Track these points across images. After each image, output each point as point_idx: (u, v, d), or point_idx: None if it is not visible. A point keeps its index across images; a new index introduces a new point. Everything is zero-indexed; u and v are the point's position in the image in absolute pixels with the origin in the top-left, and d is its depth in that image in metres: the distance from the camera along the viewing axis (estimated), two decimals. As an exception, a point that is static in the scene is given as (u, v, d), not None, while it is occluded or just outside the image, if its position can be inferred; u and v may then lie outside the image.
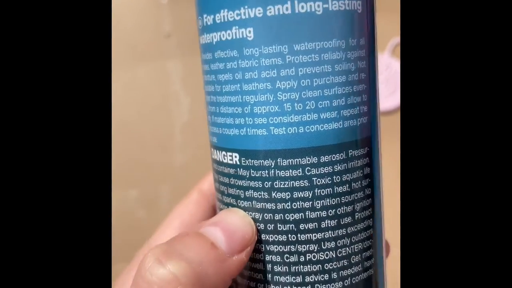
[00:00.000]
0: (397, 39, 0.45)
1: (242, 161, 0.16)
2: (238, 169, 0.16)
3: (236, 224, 0.16)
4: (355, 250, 0.16)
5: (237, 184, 0.16)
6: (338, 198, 0.16)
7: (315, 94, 0.15)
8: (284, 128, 0.15)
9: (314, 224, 0.16)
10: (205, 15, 0.16)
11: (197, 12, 0.17)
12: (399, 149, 0.15)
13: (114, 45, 0.45)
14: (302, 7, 0.15)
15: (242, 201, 0.16)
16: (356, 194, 0.16)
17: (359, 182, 0.16)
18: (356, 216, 0.16)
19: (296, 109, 0.15)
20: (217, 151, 0.17)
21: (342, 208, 0.16)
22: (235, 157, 0.16)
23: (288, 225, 0.16)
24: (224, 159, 0.17)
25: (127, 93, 0.47)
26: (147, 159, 0.47)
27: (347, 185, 0.16)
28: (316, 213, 0.16)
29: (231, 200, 0.17)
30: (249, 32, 0.15)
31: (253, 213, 0.16)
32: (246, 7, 0.15)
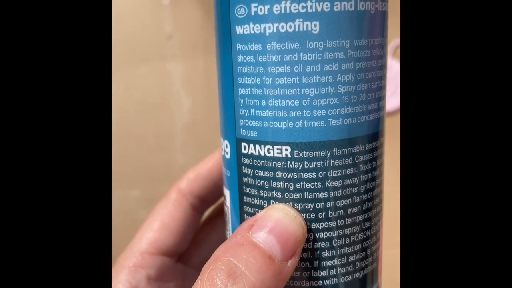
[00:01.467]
0: (397, 41, 0.44)
1: (295, 154, 0.16)
2: (289, 162, 0.16)
3: (289, 228, 0.16)
4: (378, 227, 0.18)
5: (286, 177, 0.16)
6: (374, 182, 0.17)
7: (366, 87, 0.16)
8: (341, 119, 0.16)
9: (358, 207, 0.17)
10: (254, 4, 0.15)
11: (234, 0, 0.16)
12: (399, 149, 0.16)
13: (115, 46, 0.43)
14: (362, 6, 0.15)
15: (291, 194, 0.16)
16: (381, 177, 0.18)
17: (382, 166, 0.18)
18: (379, 197, 0.18)
19: (352, 101, 0.16)
20: (257, 145, 0.17)
21: (376, 190, 0.18)
22: (286, 150, 0.16)
23: (338, 211, 0.17)
24: (269, 153, 0.16)
25: (128, 94, 0.46)
26: (148, 160, 0.46)
27: (378, 170, 0.18)
28: (360, 197, 0.17)
29: (276, 194, 0.17)
30: (315, 25, 0.15)
31: (304, 204, 0.16)
32: (313, 0, 0.15)
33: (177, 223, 0.21)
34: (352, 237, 0.17)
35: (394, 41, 0.45)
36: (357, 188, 0.17)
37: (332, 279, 0.17)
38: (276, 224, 0.16)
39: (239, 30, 0.16)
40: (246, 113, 0.17)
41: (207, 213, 0.24)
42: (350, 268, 0.17)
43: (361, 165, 0.17)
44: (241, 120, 0.17)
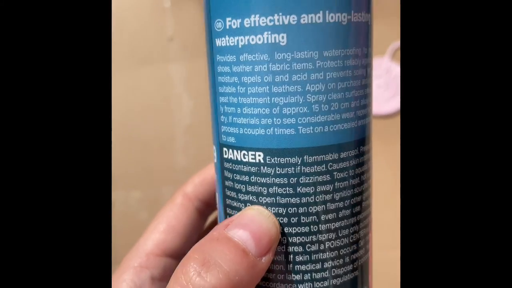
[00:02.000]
0: (397, 43, 0.45)
1: (267, 159, 0.17)
2: (262, 167, 0.17)
3: (263, 225, 0.17)
4: (361, 235, 0.18)
5: (259, 181, 0.17)
6: (352, 190, 0.18)
7: (338, 96, 0.17)
8: (311, 128, 0.16)
9: (333, 214, 0.17)
10: (228, 18, 0.16)
11: (215, 15, 0.17)
12: (398, 151, 0.16)
13: (117, 48, 0.44)
14: (332, 17, 0.16)
15: (264, 198, 0.17)
16: (363, 185, 0.18)
17: (366, 174, 0.18)
18: (363, 204, 0.18)
19: (323, 110, 0.16)
20: (235, 151, 0.18)
21: (355, 198, 0.18)
22: (259, 155, 0.17)
23: (310, 217, 0.17)
24: (244, 158, 0.17)
25: (130, 96, 0.46)
26: (150, 161, 0.47)
27: (359, 178, 0.18)
28: (335, 204, 0.17)
29: (251, 197, 0.17)
30: (282, 37, 0.16)
31: (277, 208, 0.17)
32: (280, 14, 0.16)
33: (182, 226, 0.22)
34: (327, 244, 0.17)
35: (393, 44, 0.45)
36: (331, 195, 0.17)
37: (307, 284, 0.17)
38: (250, 221, 0.17)
39: (218, 42, 0.17)
40: (226, 120, 0.18)
41: (211, 217, 0.25)
42: (326, 274, 0.18)
43: (335, 173, 0.17)
44: (222, 126, 0.18)
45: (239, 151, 0.17)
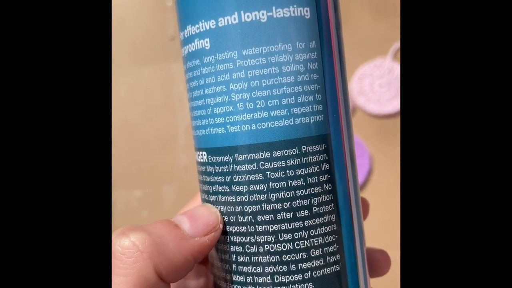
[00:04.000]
0: (398, 44, 0.46)
1: (209, 159, 0.18)
2: (207, 166, 0.18)
3: (202, 212, 0.17)
4: (315, 243, 0.17)
5: (206, 180, 0.18)
6: (293, 192, 0.17)
7: (264, 94, 0.16)
8: (238, 126, 0.17)
9: (270, 216, 0.17)
10: (180, 33, 0.19)
11: (178, 28, 0.19)
12: (399, 151, 0.16)
13: (119, 47, 0.46)
14: (248, 17, 0.16)
15: (211, 196, 0.18)
16: (312, 188, 0.17)
17: (316, 177, 0.17)
18: (314, 210, 0.17)
19: (248, 108, 0.16)
20: (196, 152, 0.19)
21: (297, 201, 0.17)
22: (204, 155, 0.18)
23: (246, 217, 0.17)
24: (198, 158, 0.19)
25: (132, 95, 0.48)
26: (151, 160, 0.49)
27: (302, 179, 0.17)
28: (271, 205, 0.17)
29: (204, 196, 0.18)
30: (207, 42, 0.17)
31: (219, 206, 0.18)
32: (203, 20, 0.17)
33: None
34: (267, 246, 0.17)
35: (396, 44, 0.45)
36: (265, 195, 0.17)
37: (250, 287, 0.17)
38: (191, 209, 0.18)
39: (182, 53, 0.19)
40: (191, 124, 0.19)
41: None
42: (268, 279, 0.17)
43: (268, 172, 0.17)
44: (192, 130, 0.20)
45: (196, 152, 0.19)
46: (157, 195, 0.49)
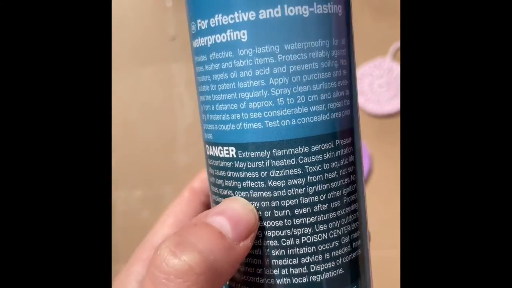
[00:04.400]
0: (398, 44, 0.47)
1: (239, 154, 0.17)
2: (235, 161, 0.17)
3: (240, 212, 0.17)
4: (344, 231, 0.18)
5: (234, 176, 0.18)
6: (328, 184, 0.17)
7: (305, 89, 0.16)
8: (277, 121, 0.17)
9: (307, 208, 0.17)
10: (199, 20, 0.17)
11: (190, 18, 0.18)
12: (399, 150, 0.16)
13: (119, 47, 0.46)
14: (291, 11, 0.16)
15: (239, 192, 0.17)
16: (343, 180, 0.18)
17: (346, 169, 0.18)
18: (344, 200, 0.18)
19: (288, 103, 0.16)
20: (213, 147, 0.18)
21: (332, 193, 0.17)
22: (232, 150, 0.17)
23: (284, 211, 0.17)
24: (221, 153, 0.18)
25: (132, 95, 0.48)
26: (151, 160, 0.48)
27: (336, 172, 0.17)
28: (309, 198, 0.17)
29: (229, 192, 0.18)
30: (243, 34, 0.16)
31: (251, 202, 0.17)
32: (239, 11, 0.16)
33: (189, 220, 0.23)
34: (303, 238, 0.17)
35: (395, 44, 0.46)
36: (303, 189, 0.17)
37: (285, 279, 0.17)
38: (228, 208, 0.17)
39: (194, 44, 0.18)
40: (205, 118, 0.18)
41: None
42: (304, 270, 0.17)
43: (306, 167, 0.17)
44: (203, 124, 0.19)
45: (216, 147, 0.18)
46: (157, 195, 0.46)
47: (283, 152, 0.17)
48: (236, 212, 0.17)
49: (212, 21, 0.17)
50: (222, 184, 0.18)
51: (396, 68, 0.47)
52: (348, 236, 0.18)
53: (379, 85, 0.48)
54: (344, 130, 0.18)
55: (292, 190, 0.17)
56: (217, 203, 0.19)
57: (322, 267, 0.17)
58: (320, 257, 0.17)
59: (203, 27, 0.17)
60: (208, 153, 0.19)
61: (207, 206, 0.24)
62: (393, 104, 0.47)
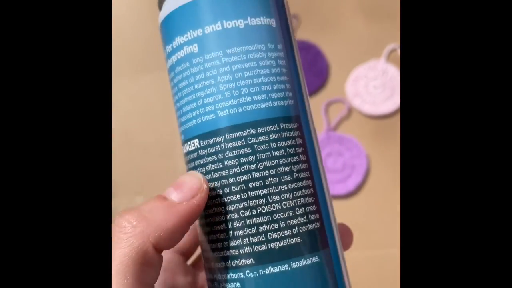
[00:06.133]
0: (391, 45, 0.49)
1: (201, 143, 0.21)
2: (199, 151, 0.21)
3: (185, 179, 0.20)
4: (298, 203, 0.20)
5: (200, 163, 0.21)
6: (277, 160, 0.20)
7: (247, 83, 0.20)
8: (227, 110, 0.20)
9: (260, 182, 0.20)
10: (167, 46, 0.22)
11: (163, 46, 0.23)
12: (396, 150, 0.17)
13: (117, 55, 0.47)
14: (229, 24, 0.21)
15: (205, 176, 0.21)
16: (292, 158, 0.20)
17: (294, 148, 0.21)
18: (294, 176, 0.20)
19: (234, 95, 0.20)
20: (185, 145, 0.22)
21: (281, 168, 0.20)
22: (196, 142, 0.21)
23: (239, 186, 0.20)
24: (189, 148, 0.22)
25: (131, 102, 0.49)
26: (152, 167, 0.50)
27: (283, 150, 0.20)
28: (260, 172, 0.20)
29: (197, 179, 0.21)
30: (195, 47, 0.21)
31: (214, 183, 0.20)
32: (191, 31, 0.21)
33: None
34: (259, 209, 0.20)
35: (388, 46, 0.48)
36: (254, 165, 0.20)
37: (246, 248, 0.20)
38: (177, 179, 0.21)
39: (167, 65, 0.23)
40: (178, 123, 0.22)
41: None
42: (262, 238, 0.20)
43: (255, 146, 0.20)
44: (179, 129, 0.23)
45: (186, 144, 0.22)
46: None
47: (234, 135, 0.20)
48: (181, 180, 0.20)
49: (174, 43, 0.22)
50: (193, 174, 0.21)
51: (391, 69, 0.49)
52: (303, 208, 0.20)
53: (374, 87, 0.49)
54: (288, 116, 0.21)
55: (245, 166, 0.20)
56: (192, 194, 0.22)
57: (279, 234, 0.20)
58: (276, 225, 0.20)
59: (169, 50, 0.22)
60: (183, 152, 0.22)
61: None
62: (389, 104, 0.48)
